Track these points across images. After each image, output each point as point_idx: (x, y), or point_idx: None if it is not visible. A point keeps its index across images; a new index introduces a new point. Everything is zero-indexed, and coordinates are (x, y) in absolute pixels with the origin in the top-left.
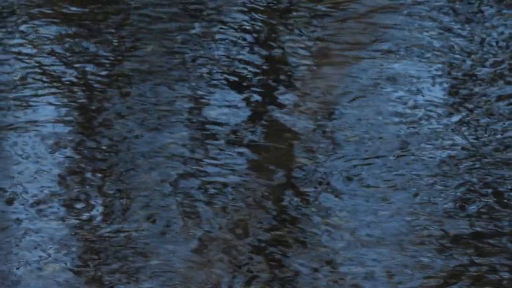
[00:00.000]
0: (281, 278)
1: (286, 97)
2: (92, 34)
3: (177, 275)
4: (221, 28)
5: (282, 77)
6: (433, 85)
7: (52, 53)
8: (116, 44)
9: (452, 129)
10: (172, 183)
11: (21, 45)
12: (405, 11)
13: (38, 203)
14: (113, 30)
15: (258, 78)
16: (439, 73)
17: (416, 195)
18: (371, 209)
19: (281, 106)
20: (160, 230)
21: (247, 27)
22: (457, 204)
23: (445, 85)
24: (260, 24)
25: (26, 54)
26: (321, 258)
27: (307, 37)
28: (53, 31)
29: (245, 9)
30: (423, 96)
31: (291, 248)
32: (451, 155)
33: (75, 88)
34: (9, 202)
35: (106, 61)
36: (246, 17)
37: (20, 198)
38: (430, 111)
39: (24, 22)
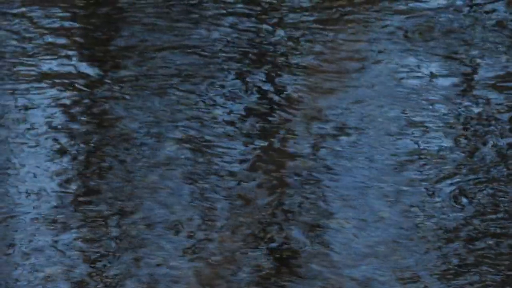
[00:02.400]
0: (282, 280)
1: (289, 98)
2: (96, 37)
3: (179, 277)
4: (220, 33)
5: (284, 79)
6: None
7: (54, 54)
8: (117, 46)
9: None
10: (174, 184)
11: (22, 47)
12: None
13: (38, 205)
14: (116, 34)
15: (259, 79)
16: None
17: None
18: (374, 209)
19: (283, 108)
20: (162, 233)
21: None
22: None
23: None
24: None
25: (29, 56)
26: (322, 259)
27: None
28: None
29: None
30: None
31: (292, 249)
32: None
33: (77, 89)
34: (9, 202)
35: (108, 63)
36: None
37: (20, 199)
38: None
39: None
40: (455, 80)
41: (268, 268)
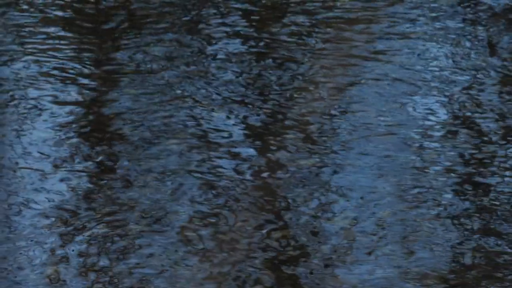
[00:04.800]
0: (283, 279)
1: (290, 98)
2: (96, 34)
3: (179, 276)
4: (220, 32)
5: (285, 78)
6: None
7: (55, 51)
8: (117, 44)
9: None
10: (173, 183)
11: (26, 43)
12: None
13: (38, 203)
14: (116, 32)
15: (259, 79)
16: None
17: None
18: (375, 208)
19: (283, 107)
20: (163, 230)
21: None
22: None
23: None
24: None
25: (31, 53)
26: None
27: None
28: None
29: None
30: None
31: (292, 248)
32: None
33: (79, 87)
34: (11, 203)
35: (109, 61)
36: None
37: (22, 198)
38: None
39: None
40: None
41: (268, 267)
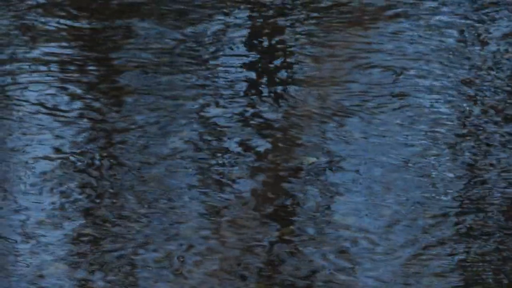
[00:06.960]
0: (282, 277)
1: (290, 96)
2: (97, 33)
3: (180, 274)
4: (220, 30)
5: (285, 76)
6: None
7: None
8: (120, 43)
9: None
10: (175, 182)
11: (27, 43)
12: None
13: (41, 201)
14: (119, 31)
15: (260, 77)
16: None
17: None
18: (375, 208)
19: (285, 104)
20: (164, 229)
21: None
22: None
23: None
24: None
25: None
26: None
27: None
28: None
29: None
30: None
31: (292, 247)
32: None
33: (80, 87)
34: (13, 201)
35: (111, 61)
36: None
37: (24, 197)
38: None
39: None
40: None
41: (268, 266)
